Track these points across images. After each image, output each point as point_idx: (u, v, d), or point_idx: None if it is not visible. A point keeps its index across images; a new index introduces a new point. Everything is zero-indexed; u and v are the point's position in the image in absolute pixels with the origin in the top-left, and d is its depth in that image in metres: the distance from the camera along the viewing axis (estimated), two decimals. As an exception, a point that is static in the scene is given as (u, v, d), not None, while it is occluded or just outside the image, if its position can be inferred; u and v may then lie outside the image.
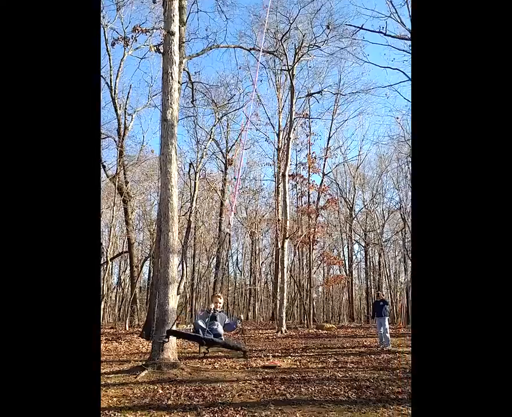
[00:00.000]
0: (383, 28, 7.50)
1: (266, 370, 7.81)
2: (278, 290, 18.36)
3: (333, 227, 27.77)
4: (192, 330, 4.89)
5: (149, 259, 22.22)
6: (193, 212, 15.08)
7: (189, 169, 15.64)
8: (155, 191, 20.45)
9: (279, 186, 20.93)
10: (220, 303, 5.13)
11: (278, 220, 19.55)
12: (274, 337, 14.46)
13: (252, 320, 27.22)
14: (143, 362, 7.72)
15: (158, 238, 9.45)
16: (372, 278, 29.95)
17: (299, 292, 25.46)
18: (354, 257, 30.52)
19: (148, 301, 19.02)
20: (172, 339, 7.54)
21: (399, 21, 17.86)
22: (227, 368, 8.20)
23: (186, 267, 17.74)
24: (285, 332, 15.84)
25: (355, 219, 27.32)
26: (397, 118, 20.53)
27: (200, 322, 4.72)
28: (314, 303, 26.94)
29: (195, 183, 14.39)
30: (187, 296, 24.91)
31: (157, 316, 7.62)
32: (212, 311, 4.89)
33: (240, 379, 6.89)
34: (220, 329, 4.78)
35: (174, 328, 6.85)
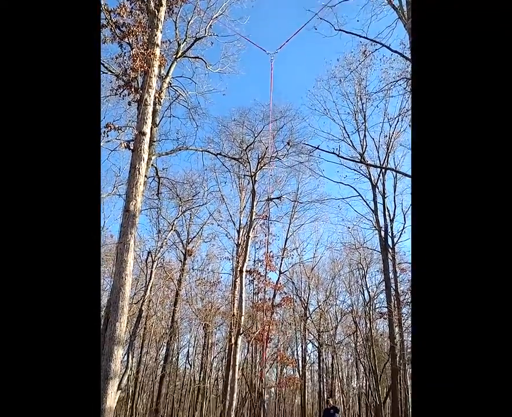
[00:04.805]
0: (337, 149, 8.58)
1: None
2: (229, 389, 17.56)
3: (288, 325, 27.60)
4: None
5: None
6: (146, 301, 14.82)
7: (147, 257, 15.69)
8: (109, 276, 19.99)
9: (236, 280, 21.10)
10: None
11: (233, 314, 19.37)
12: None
13: (198, 422, 25.29)
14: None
15: (104, 327, 9.15)
16: (325, 381, 29.25)
17: (250, 393, 24.28)
18: (307, 358, 30.01)
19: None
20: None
21: (351, 144, 20.24)
22: None
23: (132, 358, 16.84)
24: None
25: (309, 318, 27.43)
26: (349, 228, 21.97)
27: None
28: (266, 406, 25.60)
29: (151, 271, 14.39)
30: (130, 391, 23.14)
31: (92, 415, 7.14)
32: None
33: None
34: None
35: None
